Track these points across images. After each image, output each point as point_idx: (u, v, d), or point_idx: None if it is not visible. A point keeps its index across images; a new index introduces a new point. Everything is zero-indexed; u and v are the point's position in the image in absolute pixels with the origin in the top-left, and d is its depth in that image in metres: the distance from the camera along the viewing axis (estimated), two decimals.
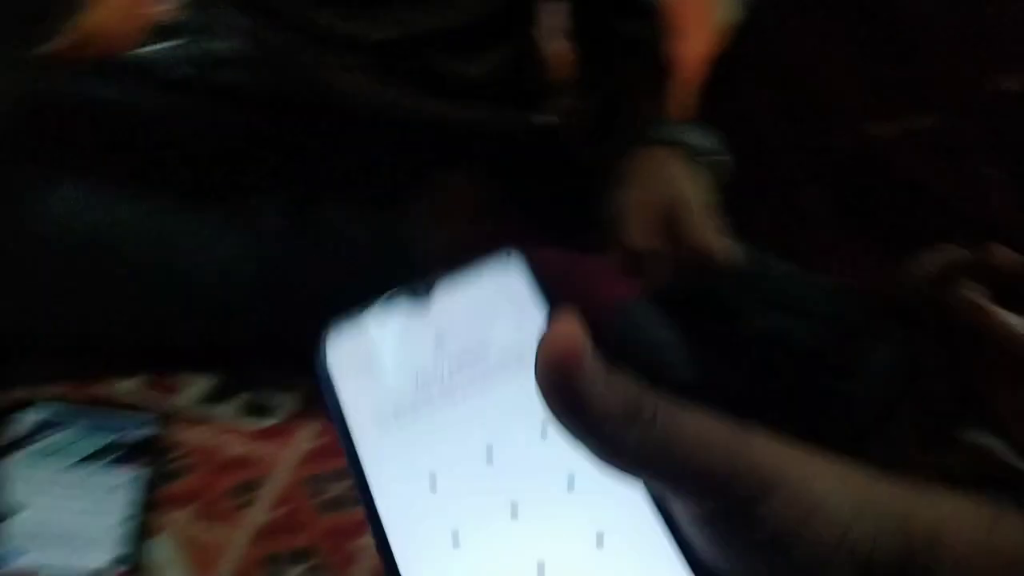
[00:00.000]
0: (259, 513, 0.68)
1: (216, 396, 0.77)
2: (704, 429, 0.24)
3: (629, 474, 0.23)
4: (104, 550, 0.61)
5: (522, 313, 0.28)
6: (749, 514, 0.23)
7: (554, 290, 0.26)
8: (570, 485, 0.25)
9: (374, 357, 0.29)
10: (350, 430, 0.27)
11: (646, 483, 0.24)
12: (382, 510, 0.25)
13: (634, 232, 0.62)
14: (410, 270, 0.73)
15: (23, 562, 0.59)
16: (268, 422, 0.76)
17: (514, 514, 0.25)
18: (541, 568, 0.24)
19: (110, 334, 0.73)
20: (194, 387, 0.77)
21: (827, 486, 0.24)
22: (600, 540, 0.24)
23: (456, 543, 0.25)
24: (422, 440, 0.26)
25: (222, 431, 0.74)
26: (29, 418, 0.67)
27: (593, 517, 0.24)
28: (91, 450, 0.67)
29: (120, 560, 0.60)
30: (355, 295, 0.79)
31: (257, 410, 0.77)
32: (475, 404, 0.27)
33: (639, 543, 0.24)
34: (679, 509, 0.24)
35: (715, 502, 0.24)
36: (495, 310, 0.27)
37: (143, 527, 0.63)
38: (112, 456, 0.67)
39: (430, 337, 0.28)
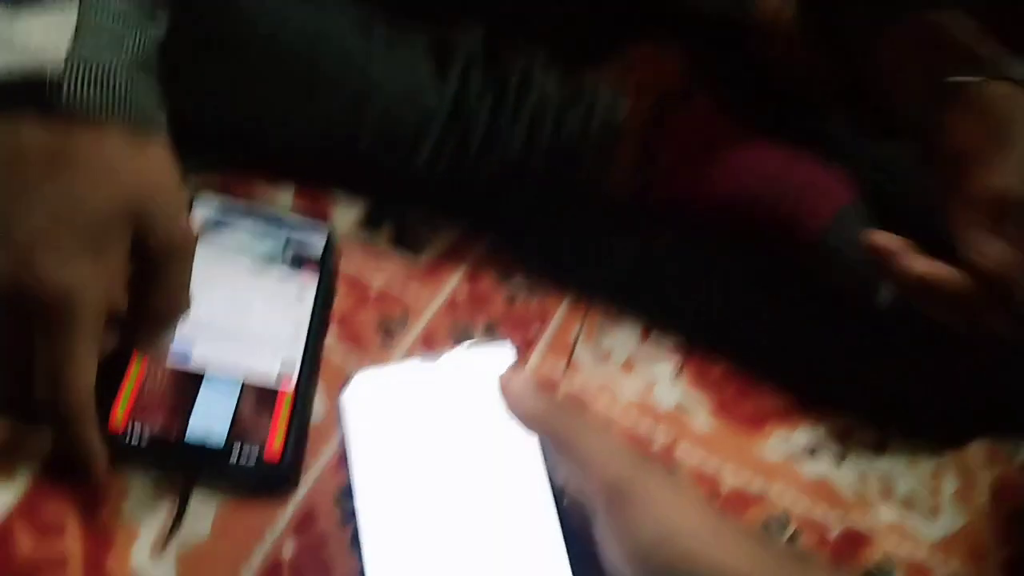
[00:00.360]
0: (399, 352, 0.67)
1: (365, 224, 0.74)
2: (613, 439, 0.37)
3: (553, 451, 0.37)
4: (273, 355, 0.58)
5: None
6: (624, 512, 0.32)
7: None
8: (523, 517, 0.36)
9: (384, 405, 0.37)
10: (352, 458, 0.35)
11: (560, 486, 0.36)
12: (364, 522, 0.34)
13: None
14: (592, 125, 0.70)
15: (190, 354, 0.56)
16: (415, 259, 0.73)
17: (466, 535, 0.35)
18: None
19: (273, 136, 0.69)
20: (341, 211, 0.74)
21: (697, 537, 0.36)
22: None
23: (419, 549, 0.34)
24: (411, 472, 0.34)
25: (371, 259, 0.72)
26: (198, 214, 0.64)
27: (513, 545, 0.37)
28: (264, 251, 0.63)
29: (287, 367, 0.58)
30: (534, 146, 0.76)
31: (405, 245, 0.74)
32: (459, 449, 0.35)
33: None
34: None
35: (600, 494, 0.33)
36: (489, 380, 0.36)
37: (313, 338, 0.61)
38: (286, 261, 0.63)
39: (433, 395, 0.37)
